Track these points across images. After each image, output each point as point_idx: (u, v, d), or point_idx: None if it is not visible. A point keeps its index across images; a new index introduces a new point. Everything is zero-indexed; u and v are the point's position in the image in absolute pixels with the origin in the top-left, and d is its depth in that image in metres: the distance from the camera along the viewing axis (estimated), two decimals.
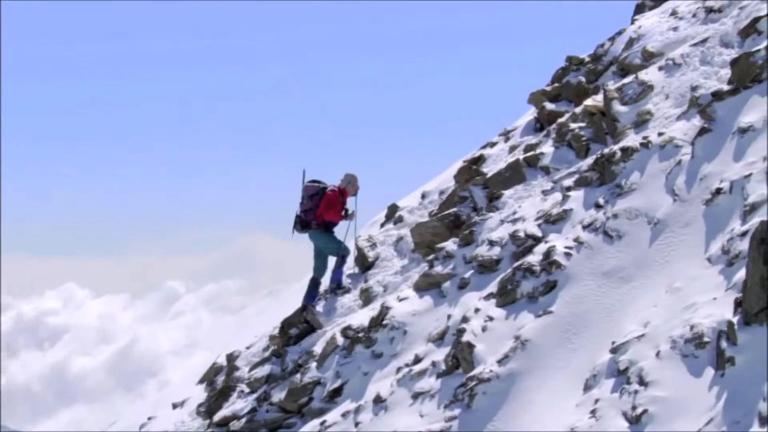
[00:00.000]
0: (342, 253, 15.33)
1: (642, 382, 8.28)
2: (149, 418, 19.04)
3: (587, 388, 8.89)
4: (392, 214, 17.39)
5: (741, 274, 8.25)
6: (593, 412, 8.45)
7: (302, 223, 15.16)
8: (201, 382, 17.73)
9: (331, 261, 15.51)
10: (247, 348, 17.00)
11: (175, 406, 18.25)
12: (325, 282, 15.55)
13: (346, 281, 15.34)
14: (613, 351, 8.93)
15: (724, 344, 7.95)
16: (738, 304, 8.11)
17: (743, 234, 8.78)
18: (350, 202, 15.64)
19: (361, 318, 12.97)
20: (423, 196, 17.37)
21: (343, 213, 15.39)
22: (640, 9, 17.11)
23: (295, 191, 15.23)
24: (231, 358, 16.91)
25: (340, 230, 15.78)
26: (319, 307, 15.14)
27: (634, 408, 8.10)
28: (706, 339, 8.19)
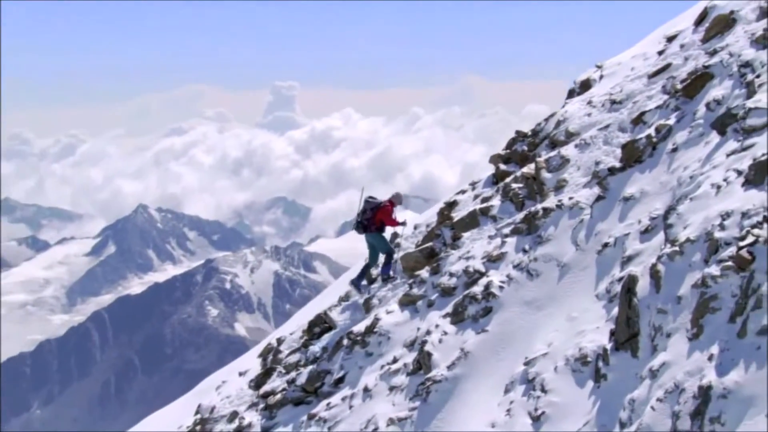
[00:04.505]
0: (390, 253, 15.08)
1: (543, 390, 8.33)
2: (223, 382, 19.10)
3: (506, 391, 8.92)
4: (393, 240, 17.42)
5: (616, 311, 8.28)
6: (508, 411, 8.50)
7: (363, 227, 14.95)
8: (260, 356, 17.80)
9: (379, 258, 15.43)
10: (291, 334, 17.07)
11: (240, 374, 18.31)
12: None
13: (391, 273, 14.91)
14: (526, 364, 8.96)
15: (600, 364, 7.99)
16: (612, 333, 8.14)
17: (620, 279, 8.78)
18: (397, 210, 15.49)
19: (360, 326, 13.02)
20: (415, 227, 17.37)
21: (398, 220, 15.10)
22: (571, 94, 17.04)
23: None
24: (279, 341, 17.02)
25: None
26: (336, 312, 15.21)
27: (536, 409, 8.17)
28: (589, 359, 8.24)
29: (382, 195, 15.96)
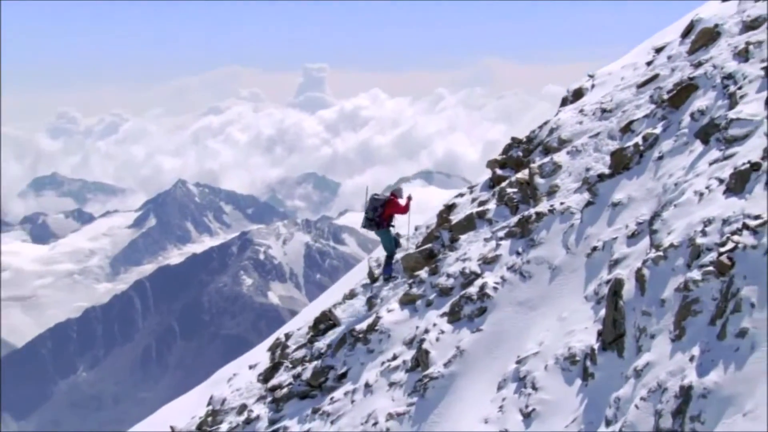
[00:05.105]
0: (391, 254, 15.05)
1: (534, 387, 8.35)
2: (234, 374, 19.06)
3: (499, 388, 8.92)
4: (395, 240, 17.39)
5: (604, 312, 8.28)
6: (501, 407, 8.51)
7: (376, 224, 14.86)
8: (269, 350, 17.77)
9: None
10: (298, 329, 17.05)
11: (251, 367, 18.28)
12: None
13: (393, 273, 14.90)
14: (518, 362, 8.97)
15: (588, 363, 8.01)
16: (599, 334, 8.15)
17: (608, 282, 8.79)
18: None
19: (363, 323, 13.00)
20: (416, 228, 17.34)
21: (404, 204, 14.95)
22: (564, 102, 16.98)
23: None
24: (287, 337, 16.98)
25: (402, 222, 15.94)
26: (341, 310, 15.19)
27: (527, 406, 8.19)
28: (577, 358, 8.25)
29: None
